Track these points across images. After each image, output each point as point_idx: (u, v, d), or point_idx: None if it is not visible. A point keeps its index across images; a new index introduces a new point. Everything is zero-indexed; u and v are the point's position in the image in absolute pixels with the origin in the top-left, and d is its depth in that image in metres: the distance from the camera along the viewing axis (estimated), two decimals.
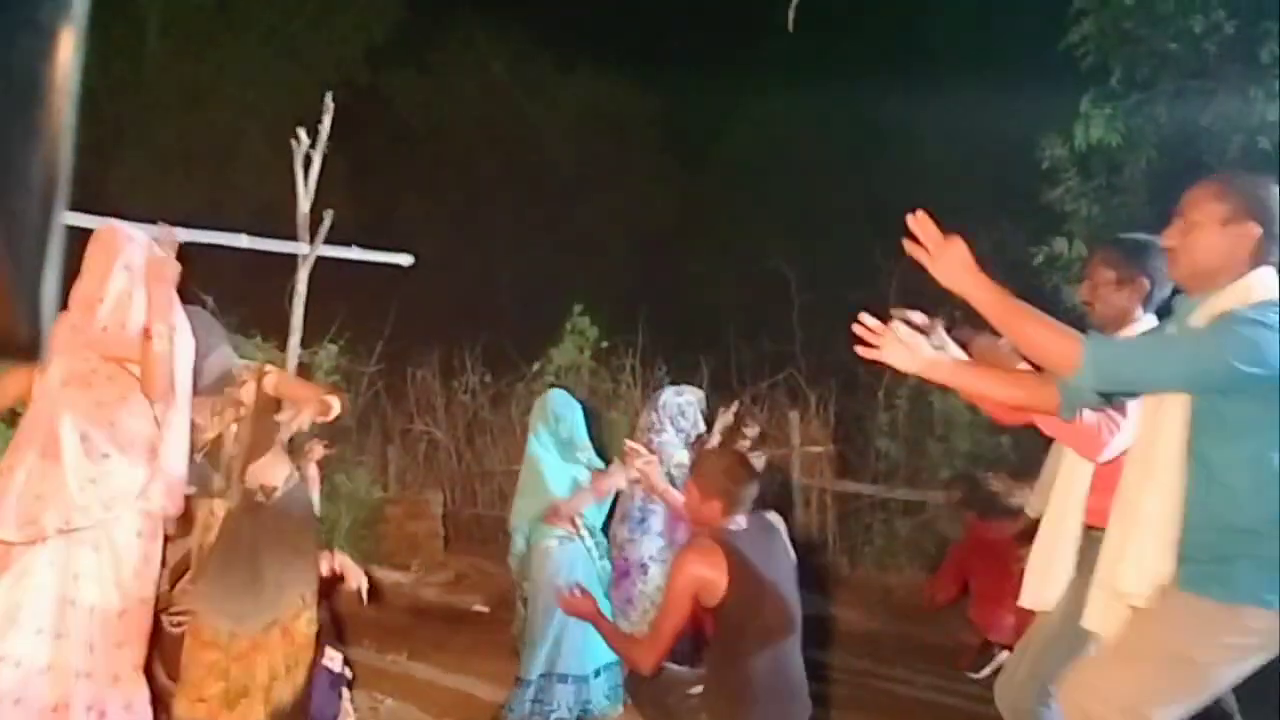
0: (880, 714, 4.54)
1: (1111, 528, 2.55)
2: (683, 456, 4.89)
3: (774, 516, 3.50)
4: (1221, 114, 6.33)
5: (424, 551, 7.93)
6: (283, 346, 5.90)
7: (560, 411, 4.77)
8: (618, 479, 4.70)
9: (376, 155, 14.64)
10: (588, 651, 4.58)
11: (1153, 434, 2.49)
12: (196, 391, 3.33)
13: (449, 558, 8.06)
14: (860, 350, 2.57)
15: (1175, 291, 2.71)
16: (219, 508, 3.49)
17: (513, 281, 14.71)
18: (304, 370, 7.04)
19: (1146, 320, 3.05)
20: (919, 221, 2.46)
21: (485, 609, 6.73)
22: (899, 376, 8.33)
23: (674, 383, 8.13)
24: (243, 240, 5.52)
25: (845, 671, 5.73)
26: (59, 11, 0.72)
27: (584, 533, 4.67)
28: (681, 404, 5.04)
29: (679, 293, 12.89)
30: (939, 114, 10.77)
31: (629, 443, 4.54)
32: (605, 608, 4.73)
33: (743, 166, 14.83)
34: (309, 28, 15.37)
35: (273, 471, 3.41)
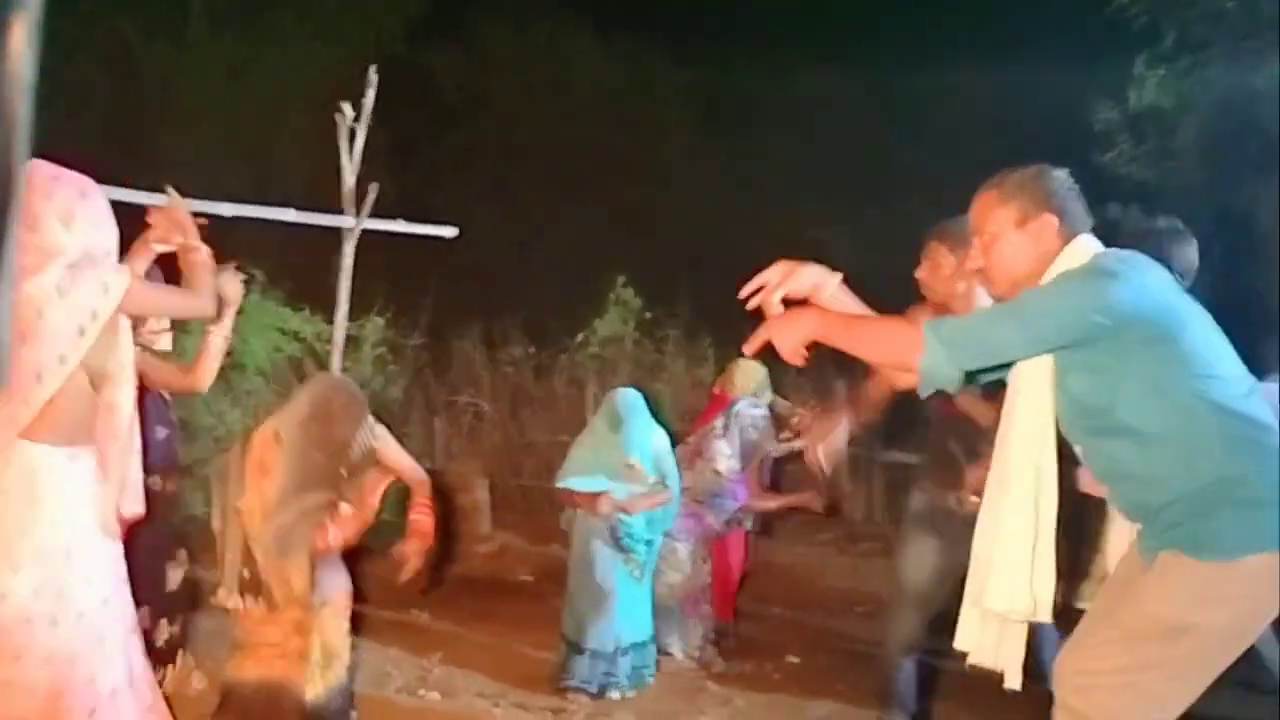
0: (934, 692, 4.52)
1: (977, 540, 2.49)
2: (732, 465, 5.00)
3: None
4: (1277, 74, 6.18)
5: (470, 523, 7.99)
6: (330, 320, 5.95)
7: (624, 419, 4.81)
8: (666, 498, 4.77)
9: (417, 128, 14.65)
10: (610, 630, 4.62)
11: (1003, 446, 2.43)
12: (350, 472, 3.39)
13: (495, 529, 8.12)
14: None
15: None
16: None
17: (555, 252, 14.69)
18: (351, 342, 7.10)
19: (984, 300, 3.00)
20: (754, 295, 2.53)
21: (531, 578, 6.78)
22: None
23: (718, 354, 8.15)
24: (289, 214, 5.56)
25: (883, 643, 5.71)
26: (8, 1, 0.68)
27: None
28: (756, 417, 5.12)
29: (722, 262, 12.80)
30: (987, 79, 10.58)
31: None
32: (625, 589, 4.75)
33: (784, 134, 14.68)
34: (347, 4, 15.39)
35: None
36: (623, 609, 4.66)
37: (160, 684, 3.16)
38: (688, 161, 15.53)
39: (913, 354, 2.31)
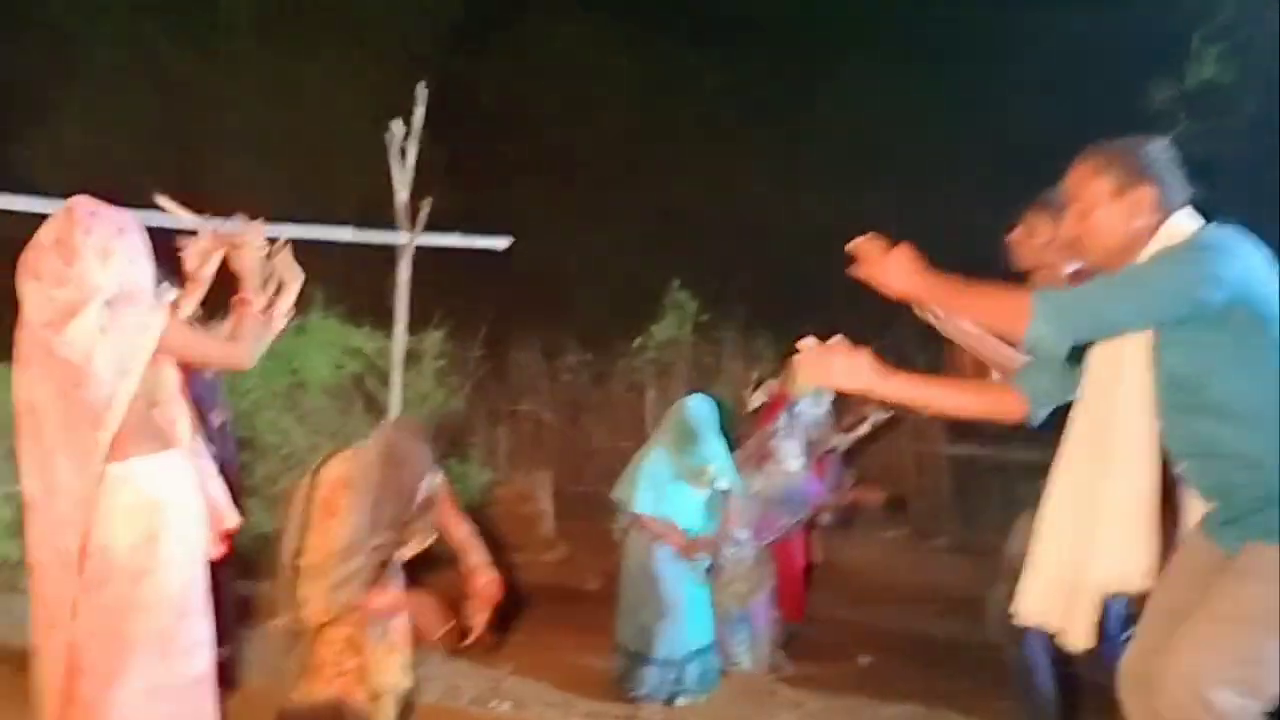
0: (995, 684, 4.41)
1: (1058, 511, 2.50)
2: (796, 465, 4.98)
3: None
4: None
5: (535, 532, 8.02)
6: (390, 335, 6.00)
7: (697, 430, 4.77)
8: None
9: (467, 140, 14.75)
10: (679, 637, 4.59)
11: (1101, 418, 2.42)
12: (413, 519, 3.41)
13: (559, 537, 8.13)
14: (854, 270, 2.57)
15: None
16: None
17: (609, 258, 14.70)
18: (411, 357, 7.16)
19: (1067, 271, 3.11)
20: (859, 244, 2.52)
21: (598, 586, 6.77)
22: None
23: (778, 352, 8.09)
24: (346, 233, 5.63)
25: (957, 642, 5.62)
26: None
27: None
28: (819, 416, 5.12)
29: (777, 261, 12.72)
30: (1042, 60, 10.39)
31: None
32: (690, 595, 4.72)
33: (836, 127, 14.53)
34: (391, 19, 15.55)
35: None
36: (689, 614, 4.64)
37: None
38: (738, 159, 15.44)
39: (1020, 322, 2.32)
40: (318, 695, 3.31)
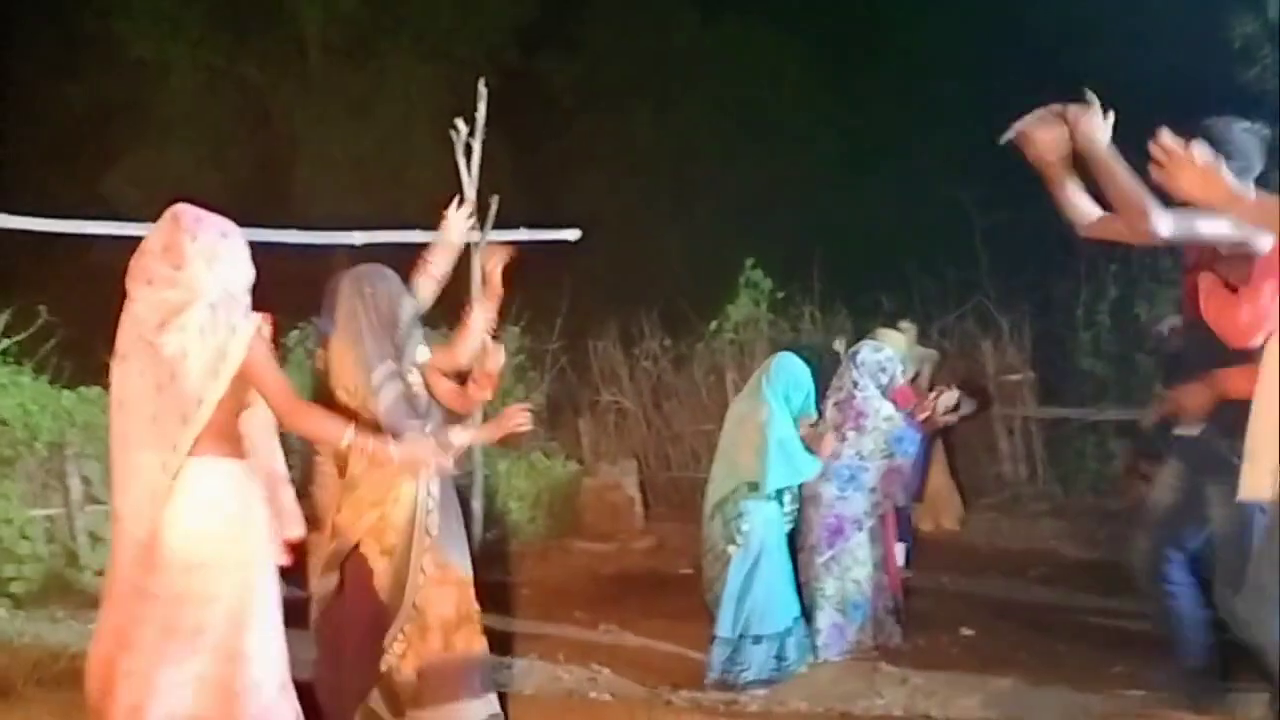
0: (1105, 649, 4.30)
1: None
2: (888, 409, 4.92)
3: None
4: None
5: (624, 520, 8.03)
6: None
7: (797, 381, 4.70)
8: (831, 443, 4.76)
9: (537, 135, 14.82)
10: (778, 610, 4.56)
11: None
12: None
13: (649, 524, 8.14)
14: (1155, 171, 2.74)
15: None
16: None
17: (682, 243, 14.65)
18: None
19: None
20: (1160, 143, 2.62)
21: (690, 571, 6.76)
22: (1098, 293, 7.93)
23: (856, 325, 7.99)
24: (417, 235, 5.67)
25: (1062, 608, 5.48)
26: None
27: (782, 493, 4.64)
28: (881, 360, 5.08)
29: (851, 232, 12.53)
30: (1118, 5, 10.04)
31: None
32: (787, 566, 4.68)
33: (902, 94, 14.25)
34: (457, 21, 15.66)
35: None
36: (789, 587, 4.66)
37: None
38: (806, 133, 15.26)
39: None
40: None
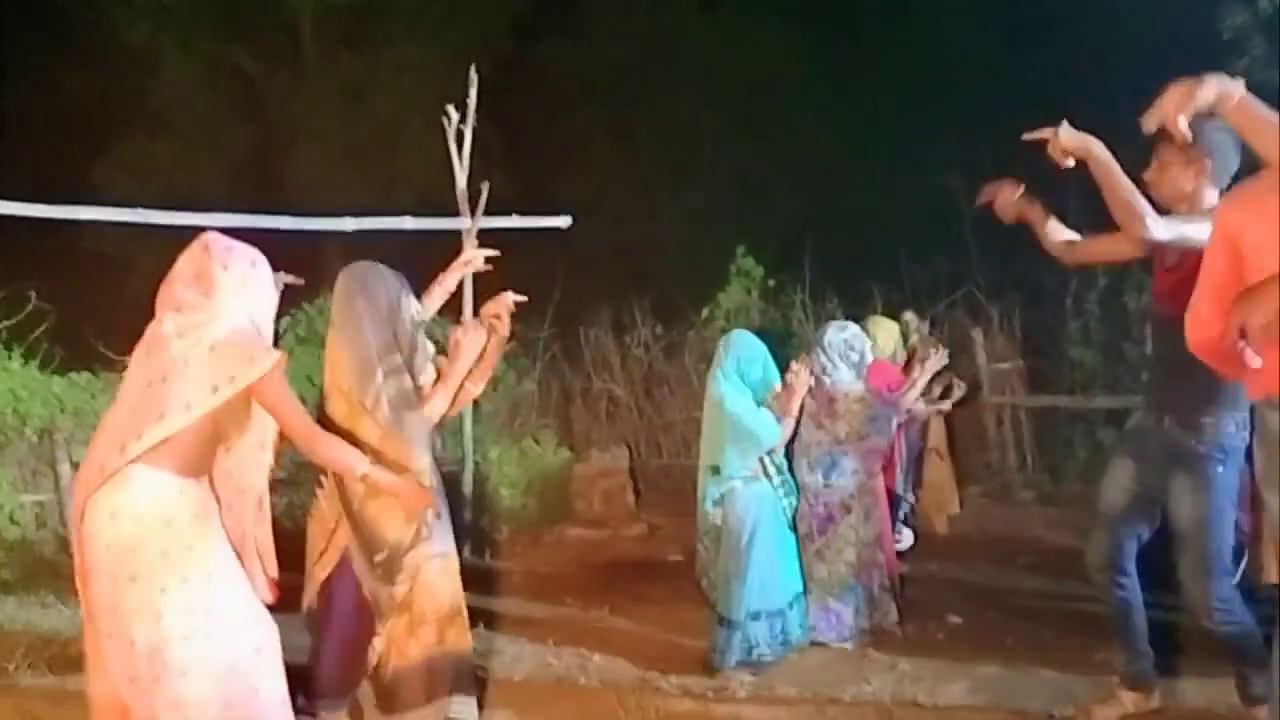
0: (1090, 635, 4.33)
1: None
2: (859, 390, 4.94)
3: None
4: None
5: (615, 507, 8.05)
6: (458, 321, 6.05)
7: (749, 354, 4.69)
8: (801, 387, 4.69)
9: (531, 123, 14.79)
10: (778, 586, 4.60)
11: None
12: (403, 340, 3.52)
13: (640, 511, 8.16)
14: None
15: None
16: None
17: (674, 231, 14.66)
18: None
19: (1212, 199, 3.28)
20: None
21: (681, 558, 6.79)
22: (1087, 282, 7.95)
23: (847, 314, 8.01)
24: (407, 222, 5.67)
25: (1049, 595, 5.52)
26: None
27: (770, 471, 4.64)
28: (848, 339, 5.05)
29: (842, 221, 12.54)
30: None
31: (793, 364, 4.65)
32: (791, 546, 4.72)
33: (897, 83, 14.27)
34: (451, 9, 15.61)
35: None
36: (788, 562, 4.70)
37: None
38: (799, 122, 15.26)
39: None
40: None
